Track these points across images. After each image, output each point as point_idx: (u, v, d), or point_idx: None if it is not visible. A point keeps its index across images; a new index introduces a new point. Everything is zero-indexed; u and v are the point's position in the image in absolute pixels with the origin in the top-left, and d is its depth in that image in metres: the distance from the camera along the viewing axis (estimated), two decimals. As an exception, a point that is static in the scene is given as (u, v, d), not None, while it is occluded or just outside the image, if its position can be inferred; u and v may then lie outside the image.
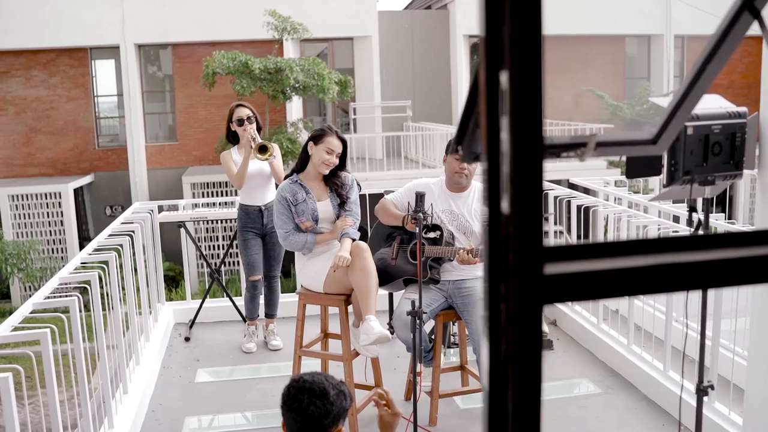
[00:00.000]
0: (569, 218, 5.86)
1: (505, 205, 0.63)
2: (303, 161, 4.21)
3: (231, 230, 5.59)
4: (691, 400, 3.34)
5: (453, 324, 5.07)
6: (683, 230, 4.90)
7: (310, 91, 14.19)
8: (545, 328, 5.48)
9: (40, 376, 3.10)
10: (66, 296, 3.48)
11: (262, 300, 5.68)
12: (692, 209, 2.40)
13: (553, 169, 14.76)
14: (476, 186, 4.28)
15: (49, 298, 3.57)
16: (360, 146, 15.71)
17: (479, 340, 3.94)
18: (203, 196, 15.80)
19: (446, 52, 19.36)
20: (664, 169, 2.34)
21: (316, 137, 4.16)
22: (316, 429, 2.28)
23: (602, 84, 18.82)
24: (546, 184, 6.32)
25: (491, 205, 0.64)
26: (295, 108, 16.71)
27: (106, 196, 17.89)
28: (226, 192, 15.90)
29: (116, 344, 4.30)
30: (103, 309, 4.07)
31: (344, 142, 4.18)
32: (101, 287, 4.08)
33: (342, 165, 4.23)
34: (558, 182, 7.33)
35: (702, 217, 2.50)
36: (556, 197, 6.06)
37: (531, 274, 0.62)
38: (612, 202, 6.05)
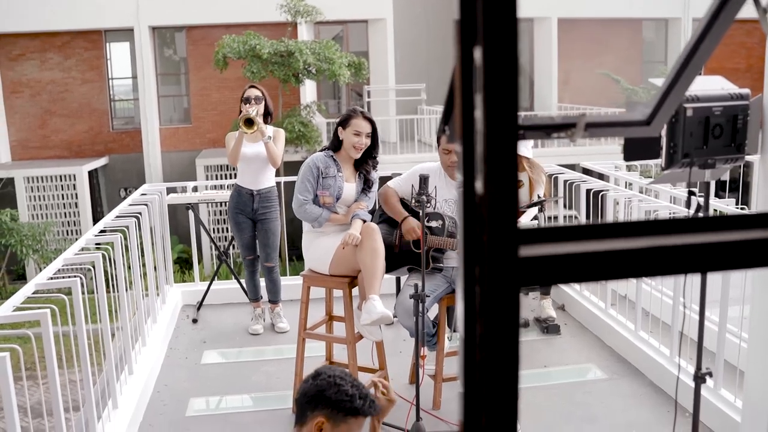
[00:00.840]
0: (579, 203, 5.81)
1: (479, 186, 0.61)
2: (336, 144, 4.19)
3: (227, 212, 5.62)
4: (705, 390, 3.31)
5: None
6: (683, 216, 4.84)
7: (321, 75, 14.14)
8: (553, 313, 5.45)
9: (44, 357, 3.11)
10: (69, 277, 3.48)
11: (263, 281, 5.69)
12: (691, 192, 2.35)
13: (566, 153, 14.67)
14: None
15: (52, 278, 3.57)
16: (374, 129, 15.66)
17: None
18: (217, 179, 15.84)
19: (461, 35, 19.22)
20: (663, 152, 2.29)
21: (344, 121, 4.14)
22: (296, 403, 2.30)
23: (619, 68, 18.66)
24: (556, 168, 6.28)
25: (466, 186, 0.63)
26: (308, 91, 16.68)
27: (121, 179, 17.98)
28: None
29: (122, 326, 4.32)
30: (110, 291, 4.08)
31: (372, 122, 4.15)
32: (111, 268, 4.09)
33: (374, 144, 4.20)
34: (572, 167, 7.28)
35: (701, 201, 2.46)
36: (566, 181, 6.01)
37: (506, 256, 0.60)
38: (623, 187, 5.99)
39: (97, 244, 4.34)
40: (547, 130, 1.24)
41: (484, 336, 0.62)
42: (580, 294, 5.67)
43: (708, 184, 2.45)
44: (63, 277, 3.59)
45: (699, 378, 2.78)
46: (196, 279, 6.45)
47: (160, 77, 18.34)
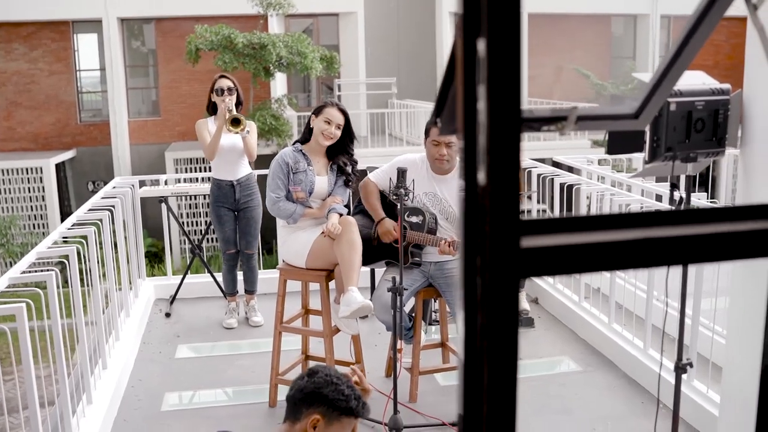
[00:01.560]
0: (552, 196, 5.85)
1: (481, 177, 0.61)
2: (307, 134, 4.19)
3: (208, 207, 5.59)
4: (670, 377, 3.35)
5: (434, 301, 5.07)
6: (666, 209, 4.90)
7: (293, 68, 14.09)
8: (526, 306, 5.48)
9: (17, 352, 3.06)
10: (43, 271, 3.43)
11: (241, 275, 5.65)
12: (674, 186, 2.38)
13: (537, 147, 14.78)
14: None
15: (26, 272, 3.52)
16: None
17: (461, 319, 3.92)
18: (186, 172, 15.73)
19: (431, 29, 19.26)
20: (646, 146, 2.32)
21: (317, 110, 4.16)
22: (290, 399, 2.29)
23: (588, 63, 18.81)
24: (529, 162, 6.31)
25: (467, 177, 0.63)
26: (279, 84, 16.60)
27: (89, 172, 17.76)
28: (209, 168, 15.79)
29: (96, 320, 4.27)
30: (83, 285, 4.03)
31: (345, 114, 4.15)
32: (81, 262, 4.04)
33: (350, 139, 4.19)
34: (542, 161, 7.32)
35: (683, 195, 2.49)
36: (539, 175, 6.05)
37: (507, 246, 0.60)
38: (595, 181, 6.04)
39: (64, 238, 4.27)
40: (537, 122, 1.25)
41: (485, 327, 0.62)
42: (554, 287, 5.71)
43: (691, 177, 2.49)
44: (37, 271, 3.54)
45: (680, 368, 2.81)
46: (168, 273, 6.40)
47: (129, 69, 18.13)
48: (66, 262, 3.80)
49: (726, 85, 2.38)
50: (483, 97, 0.60)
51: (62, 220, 16.14)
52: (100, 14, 16.74)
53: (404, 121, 16.63)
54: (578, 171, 6.48)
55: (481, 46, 0.60)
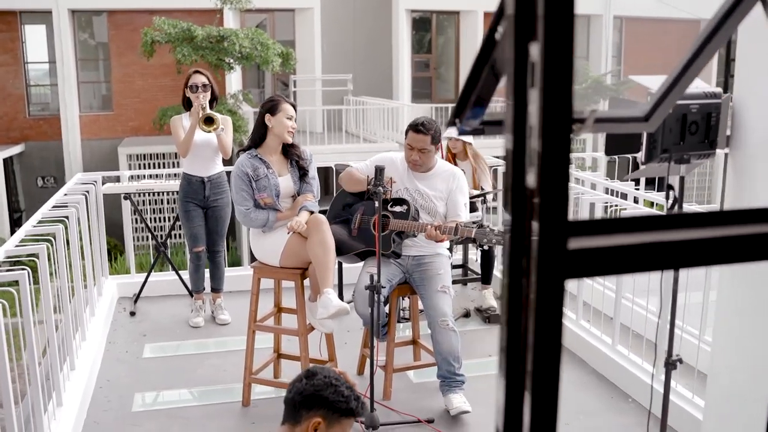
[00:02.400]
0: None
1: (531, 179, 0.62)
2: (261, 135, 4.13)
3: (176, 202, 5.49)
4: (645, 376, 3.42)
5: (403, 299, 5.08)
6: (631, 207, 5.00)
7: (252, 62, 13.98)
8: (494, 303, 5.53)
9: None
10: (16, 270, 3.35)
11: (207, 273, 5.59)
12: (670, 187, 2.44)
13: (496, 145, 14.88)
14: (445, 167, 4.22)
15: (-4, 271, 3.44)
16: (300, 119, 15.47)
17: (435, 315, 3.94)
18: (139, 168, 15.48)
19: (388, 26, 19.25)
20: (643, 147, 2.37)
21: (272, 108, 4.09)
22: (289, 402, 2.27)
23: (541, 62, 18.98)
24: (494, 161, 6.37)
25: (515, 179, 0.64)
26: (234, 80, 16.45)
27: (38, 167, 17.36)
28: (164, 164, 15.61)
29: (63, 319, 4.18)
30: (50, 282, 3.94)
31: (295, 108, 4.16)
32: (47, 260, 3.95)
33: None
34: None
35: (677, 195, 2.55)
36: (505, 173, 6.07)
37: (555, 248, 0.61)
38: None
39: (28, 235, 4.16)
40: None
41: (530, 329, 0.64)
42: (520, 284, 5.75)
43: (683, 178, 2.54)
44: (8, 270, 3.45)
45: (670, 365, 2.87)
46: (132, 271, 6.31)
47: (80, 62, 17.76)
48: (36, 259, 3.71)
49: (718, 89, 2.44)
50: (536, 100, 0.61)
51: (10, 216, 15.82)
52: (49, 5, 16.35)
53: (360, 118, 16.61)
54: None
55: (535, 50, 0.60)
